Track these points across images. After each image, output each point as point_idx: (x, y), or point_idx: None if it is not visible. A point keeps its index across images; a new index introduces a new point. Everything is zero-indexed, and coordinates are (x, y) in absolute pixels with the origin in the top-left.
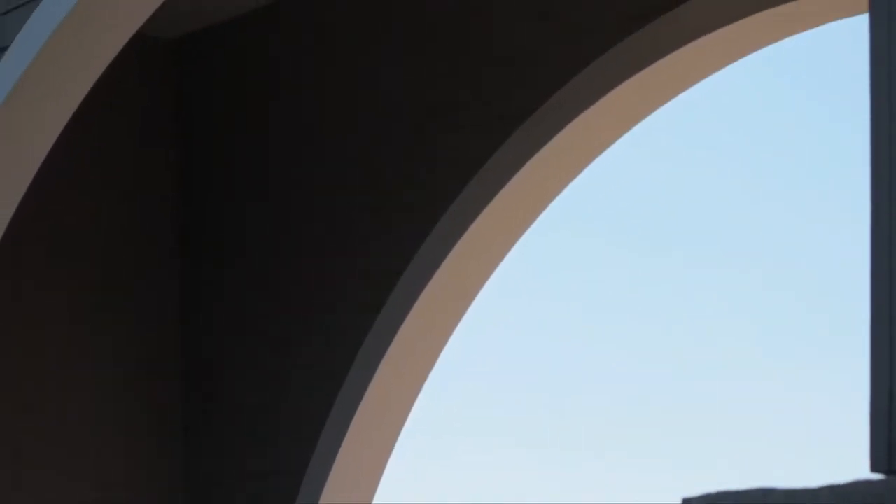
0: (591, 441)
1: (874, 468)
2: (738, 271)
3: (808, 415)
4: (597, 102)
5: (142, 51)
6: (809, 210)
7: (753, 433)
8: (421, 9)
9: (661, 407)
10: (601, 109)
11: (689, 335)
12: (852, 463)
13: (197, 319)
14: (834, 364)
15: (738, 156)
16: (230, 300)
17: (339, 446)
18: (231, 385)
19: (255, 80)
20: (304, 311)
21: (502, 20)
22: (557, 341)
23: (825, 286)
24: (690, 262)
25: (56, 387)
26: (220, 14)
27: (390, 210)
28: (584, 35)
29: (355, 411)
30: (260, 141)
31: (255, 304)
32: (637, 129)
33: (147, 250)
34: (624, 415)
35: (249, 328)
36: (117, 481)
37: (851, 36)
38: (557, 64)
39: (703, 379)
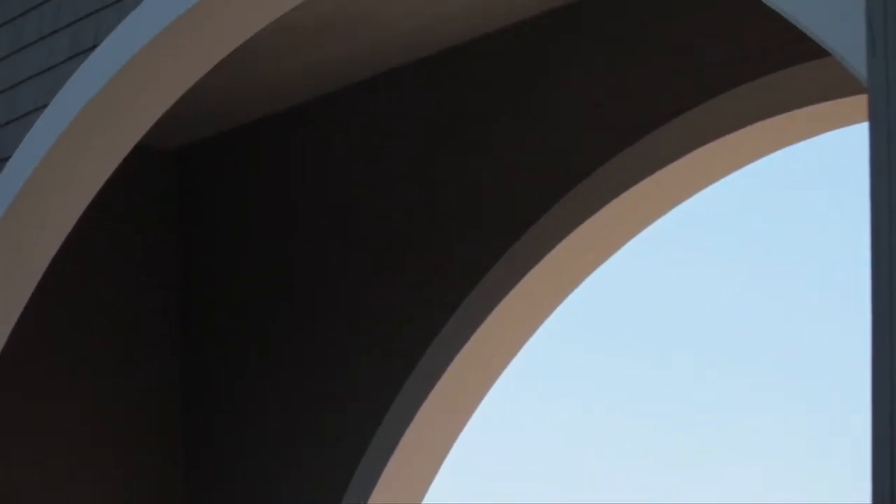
0: None
1: None
2: (744, 376)
3: None
4: (599, 211)
5: (141, 160)
6: (816, 314)
7: None
8: (427, 116)
9: None
10: (603, 218)
11: (695, 439)
12: None
13: (199, 425)
14: (844, 473)
15: (742, 262)
16: (232, 403)
17: None
18: (234, 474)
19: (256, 188)
20: (304, 425)
21: (505, 129)
22: (564, 447)
23: (834, 391)
24: (697, 367)
25: (60, 500)
26: (221, 123)
27: (391, 319)
28: (585, 146)
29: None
30: (261, 247)
31: (262, 413)
32: (640, 237)
33: (149, 365)
34: None
35: (250, 433)
36: None
37: (854, 143)
38: (559, 174)
39: (712, 474)
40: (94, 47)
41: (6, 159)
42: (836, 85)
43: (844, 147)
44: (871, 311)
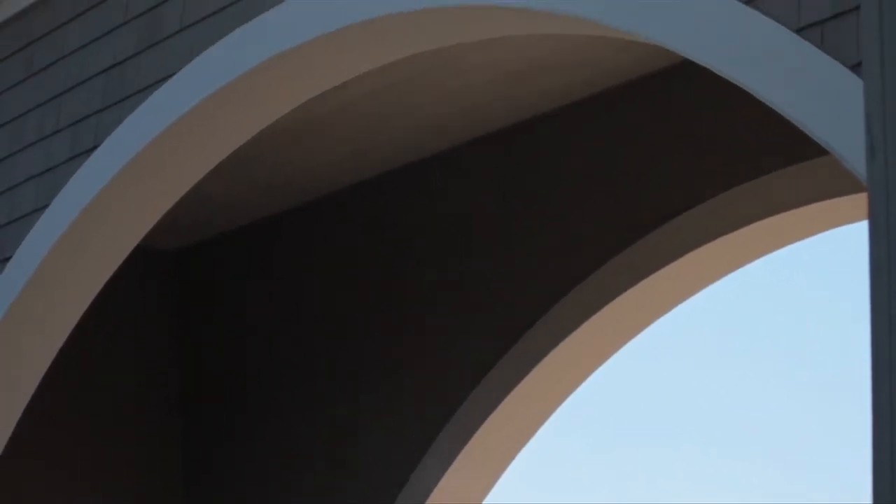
0: None
1: None
2: (751, 467)
3: None
4: (600, 311)
5: (141, 262)
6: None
7: None
8: (426, 218)
9: None
10: (604, 317)
11: None
12: None
13: None
14: None
15: (746, 358)
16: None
17: None
18: None
19: (255, 290)
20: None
21: (507, 230)
22: None
23: (834, 473)
24: (701, 458)
25: None
26: (221, 225)
27: (390, 423)
28: (585, 245)
29: None
30: (260, 350)
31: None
32: (642, 334)
33: (150, 473)
34: None
35: None
36: None
37: (855, 241)
38: (559, 273)
39: None
40: (94, 148)
41: (6, 259)
42: (838, 183)
43: (847, 244)
44: (871, 414)
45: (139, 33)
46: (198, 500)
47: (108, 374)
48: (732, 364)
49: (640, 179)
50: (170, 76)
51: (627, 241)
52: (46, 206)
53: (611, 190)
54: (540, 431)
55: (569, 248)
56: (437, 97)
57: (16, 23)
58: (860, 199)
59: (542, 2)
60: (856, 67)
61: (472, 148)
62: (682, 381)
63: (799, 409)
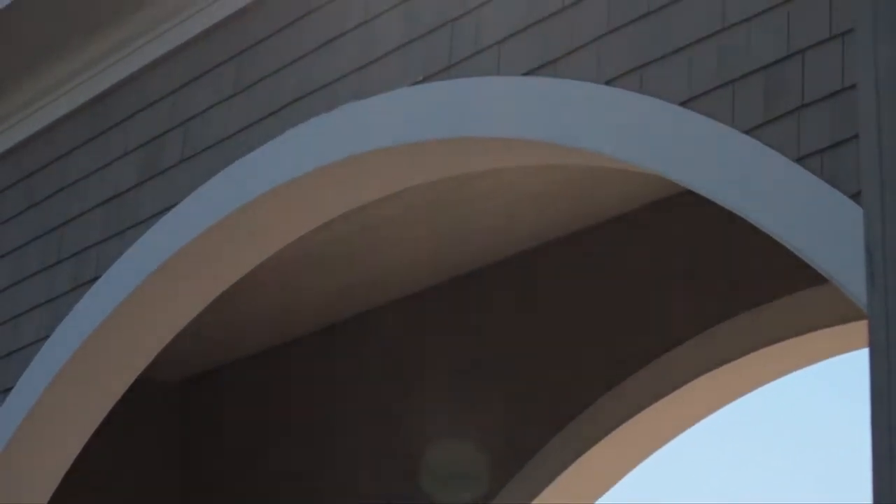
0: None
1: None
2: None
3: None
4: (601, 441)
5: (143, 393)
6: None
7: None
8: (425, 348)
9: None
10: (605, 448)
11: None
12: None
13: None
14: None
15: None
16: None
17: None
18: None
19: (257, 421)
20: None
21: (506, 360)
22: None
23: None
24: None
25: None
26: (223, 355)
27: None
28: (584, 376)
29: None
30: (263, 481)
31: None
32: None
33: None
34: None
35: None
36: None
37: (854, 369)
38: (560, 402)
39: None
40: (95, 279)
41: (8, 390)
42: (838, 312)
43: (846, 373)
44: None
45: (140, 164)
46: None
47: (108, 490)
48: (738, 487)
49: (643, 307)
50: (170, 207)
51: (629, 371)
52: (48, 336)
53: (614, 318)
54: None
55: (569, 377)
56: (437, 228)
57: (16, 153)
58: (860, 327)
59: (544, 133)
60: (855, 196)
61: (471, 279)
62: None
63: None
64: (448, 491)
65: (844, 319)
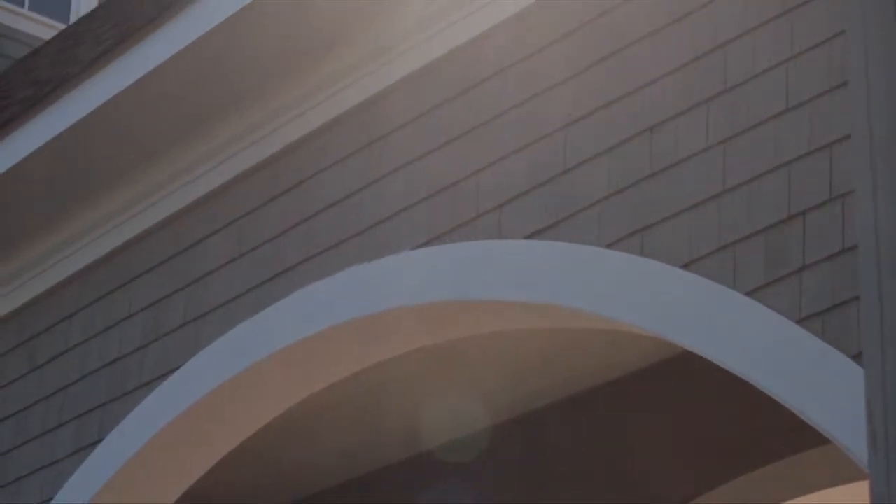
0: None
1: None
2: None
3: None
4: None
5: None
6: None
7: None
8: None
9: None
10: None
11: None
12: None
13: None
14: None
15: None
16: None
17: None
18: None
19: None
20: None
21: None
22: None
23: None
24: None
25: None
26: None
27: None
28: None
29: None
30: None
31: None
32: None
33: None
34: None
35: None
36: None
37: None
38: None
39: None
40: (98, 441)
41: None
42: (839, 472)
43: None
44: None
45: (143, 326)
46: None
47: None
48: None
49: (645, 470)
50: (174, 369)
51: None
52: (50, 499)
53: (618, 480)
54: None
55: None
56: (439, 389)
57: (19, 316)
58: (862, 487)
59: (546, 296)
60: (857, 357)
61: (472, 441)
62: None
63: None
64: None
65: (846, 480)
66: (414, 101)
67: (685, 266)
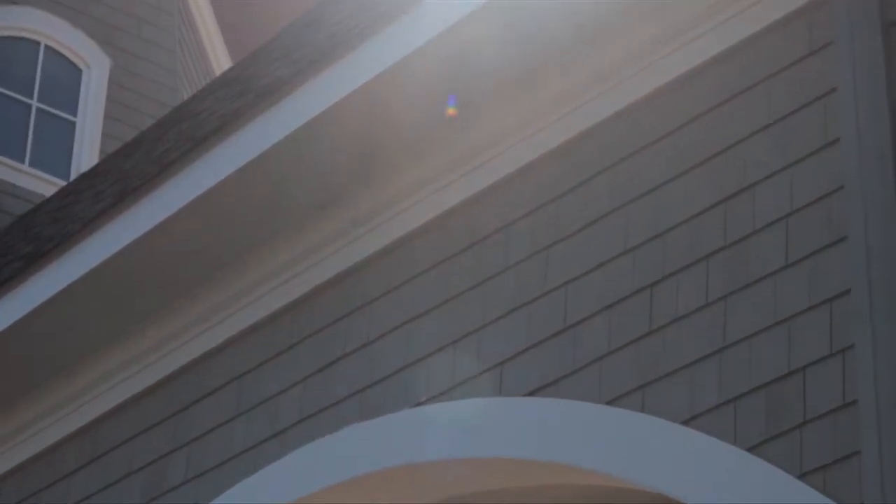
0: None
1: None
2: None
3: None
4: None
5: None
6: None
7: None
8: None
9: None
10: None
11: None
12: None
13: None
14: None
15: None
16: None
17: None
18: None
19: None
20: None
21: None
22: None
23: None
24: None
25: None
26: None
27: None
28: None
29: None
30: None
31: None
32: None
33: None
34: None
35: None
36: None
37: None
38: None
39: None
40: None
41: None
42: None
43: None
44: None
45: (144, 484)
46: None
47: None
48: None
49: None
50: None
51: None
52: None
53: None
54: None
55: None
56: None
57: (18, 474)
58: None
59: (547, 453)
60: None
61: None
62: None
63: None
64: None
65: None
66: (412, 260)
67: (686, 422)
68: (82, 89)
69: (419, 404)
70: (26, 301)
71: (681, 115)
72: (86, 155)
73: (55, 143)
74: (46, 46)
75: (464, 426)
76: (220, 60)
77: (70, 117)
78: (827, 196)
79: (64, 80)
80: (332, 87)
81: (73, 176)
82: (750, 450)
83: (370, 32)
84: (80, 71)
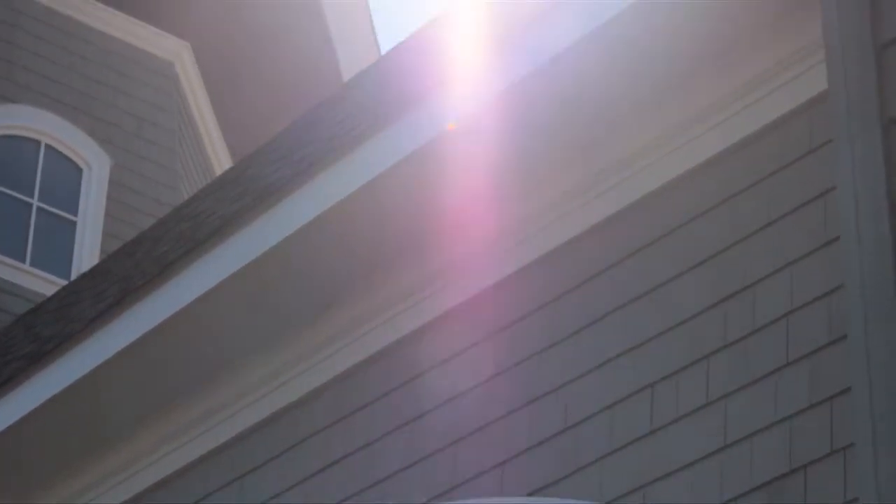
0: None
1: None
2: None
3: None
4: None
5: None
6: None
7: None
8: None
9: None
10: None
11: None
12: None
13: None
14: None
15: None
16: None
17: None
18: None
19: None
20: None
21: None
22: None
23: None
24: None
25: None
26: None
27: None
28: None
29: None
30: None
31: None
32: None
33: None
34: None
35: None
36: None
37: None
38: None
39: None
40: None
41: None
42: None
43: None
44: None
45: None
46: None
47: None
48: None
49: None
50: None
51: None
52: None
53: None
54: None
55: None
56: None
57: None
58: None
59: None
60: None
61: None
62: None
63: None
64: None
65: None
66: (412, 360)
67: None
68: (83, 188)
69: None
70: (28, 401)
71: (681, 213)
72: (86, 254)
73: (56, 243)
74: (47, 145)
75: None
76: (220, 158)
77: (71, 216)
78: (827, 294)
79: (64, 179)
80: (331, 187)
81: (73, 275)
82: None
83: (369, 134)
84: (80, 170)
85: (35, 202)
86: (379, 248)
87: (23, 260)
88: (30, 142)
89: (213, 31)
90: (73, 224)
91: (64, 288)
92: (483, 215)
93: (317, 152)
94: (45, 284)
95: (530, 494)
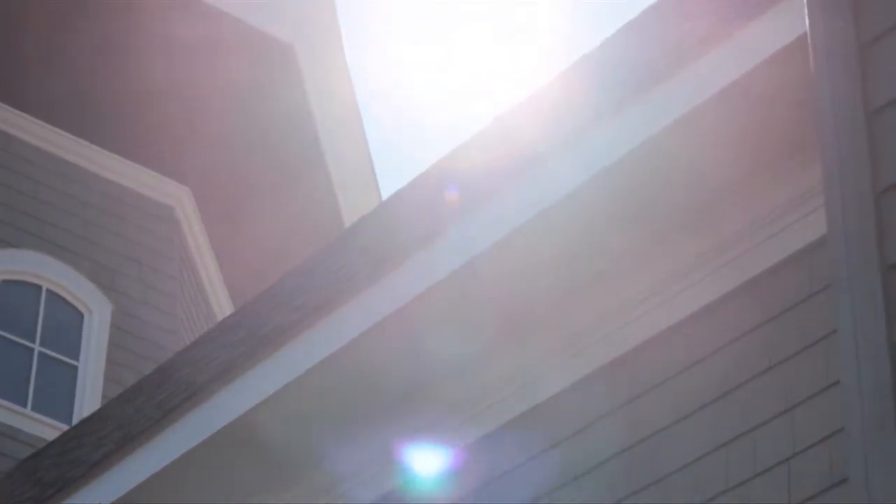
0: None
1: None
2: None
3: None
4: None
5: None
6: None
7: None
8: None
9: None
10: None
11: None
12: None
13: None
14: None
15: None
16: None
17: None
18: None
19: None
20: None
21: None
22: None
23: None
24: None
25: None
26: None
27: None
28: None
29: None
30: None
31: None
32: None
33: None
34: None
35: None
36: None
37: None
38: None
39: None
40: None
41: None
42: None
43: None
44: None
45: None
46: None
47: None
48: None
49: None
50: None
51: None
52: None
53: None
54: None
55: None
56: None
57: None
58: None
59: None
60: None
61: None
62: None
63: None
64: None
65: None
66: None
67: None
68: (84, 333)
69: None
70: None
71: (682, 359)
72: (88, 399)
73: (57, 387)
74: (48, 290)
75: None
76: (221, 301)
77: (72, 361)
78: (827, 438)
79: (65, 324)
80: (331, 334)
81: (75, 420)
82: None
83: (369, 281)
84: (81, 315)
85: (36, 347)
86: (375, 398)
87: (24, 405)
88: (31, 286)
89: (212, 175)
90: (75, 369)
91: (65, 433)
92: (487, 359)
93: (316, 300)
94: (47, 429)
95: None
